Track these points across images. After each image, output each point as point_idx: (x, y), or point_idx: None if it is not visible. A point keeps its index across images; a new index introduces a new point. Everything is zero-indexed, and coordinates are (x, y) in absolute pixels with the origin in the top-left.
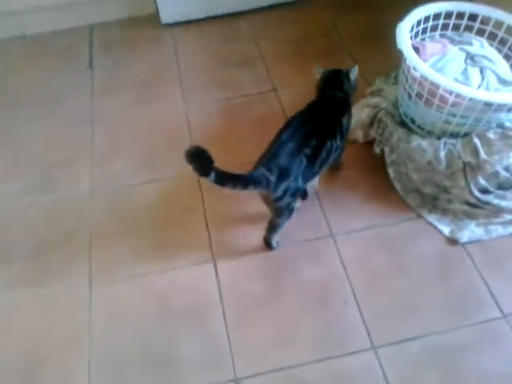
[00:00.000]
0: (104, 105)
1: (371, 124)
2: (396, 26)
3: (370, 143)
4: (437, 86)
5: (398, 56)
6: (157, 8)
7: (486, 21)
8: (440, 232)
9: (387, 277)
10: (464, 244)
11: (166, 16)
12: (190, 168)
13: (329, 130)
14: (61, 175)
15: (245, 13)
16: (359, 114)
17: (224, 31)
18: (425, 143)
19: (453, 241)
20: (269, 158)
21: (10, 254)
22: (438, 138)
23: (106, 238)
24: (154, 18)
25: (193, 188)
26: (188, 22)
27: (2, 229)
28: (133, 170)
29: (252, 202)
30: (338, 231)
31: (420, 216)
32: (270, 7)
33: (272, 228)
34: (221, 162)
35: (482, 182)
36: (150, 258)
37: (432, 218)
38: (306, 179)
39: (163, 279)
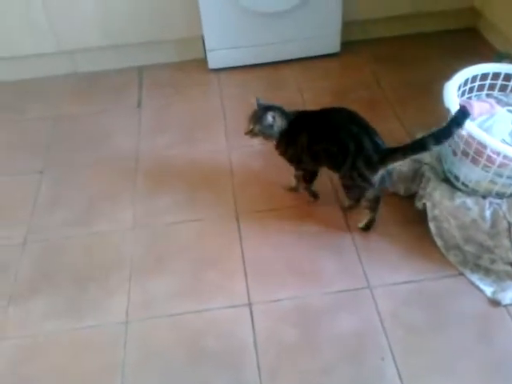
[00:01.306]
0: (149, 143)
1: (413, 178)
2: (437, 81)
3: (411, 197)
4: (484, 146)
5: (440, 111)
6: (205, 54)
7: None
8: (482, 292)
9: (425, 334)
10: (506, 306)
11: (214, 62)
12: (230, 209)
13: None
14: (104, 209)
15: (289, 61)
16: (401, 167)
17: (268, 78)
18: (469, 201)
19: (495, 302)
20: None
21: (49, 283)
22: (483, 196)
23: (145, 275)
24: (201, 63)
25: (232, 230)
26: (234, 68)
27: (44, 258)
28: (174, 208)
29: (291, 249)
30: (376, 283)
31: (461, 274)
32: (314, 57)
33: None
34: (260, 204)
35: None
36: (187, 297)
37: (474, 277)
38: None
39: (198, 320)
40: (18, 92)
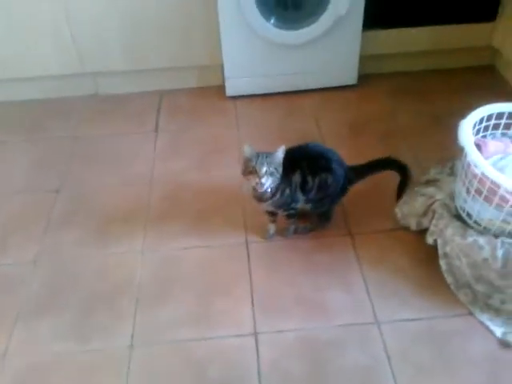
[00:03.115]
0: (164, 168)
1: (425, 213)
2: (452, 116)
3: (422, 232)
4: (498, 186)
5: (454, 146)
6: (223, 81)
7: None
8: (492, 333)
9: (433, 375)
10: None
11: (231, 89)
12: (240, 237)
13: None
14: (116, 231)
15: (306, 91)
16: (413, 202)
17: (285, 107)
18: (482, 240)
19: (505, 343)
20: None
21: (57, 304)
22: (495, 235)
23: (152, 299)
24: (219, 90)
25: (242, 258)
26: (251, 96)
27: (53, 277)
28: (185, 233)
29: (299, 280)
30: (384, 319)
31: (471, 313)
32: (332, 88)
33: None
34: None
35: None
36: (193, 324)
37: (484, 317)
38: None
39: (203, 348)
40: (40, 111)
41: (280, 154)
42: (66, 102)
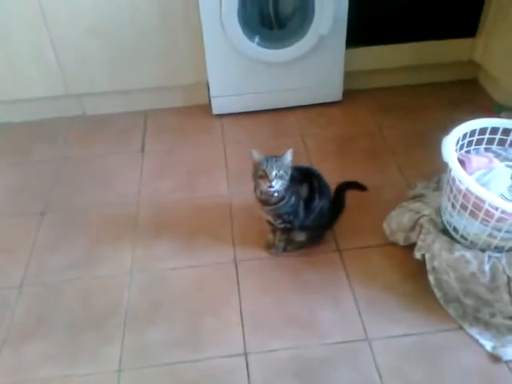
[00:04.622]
0: (151, 188)
1: (412, 228)
2: (437, 131)
3: (410, 247)
4: (482, 201)
5: (440, 161)
6: (209, 100)
7: None
8: (482, 347)
9: None
10: (507, 362)
11: (218, 107)
12: (229, 256)
13: None
14: (103, 253)
15: (292, 108)
16: (401, 217)
17: (271, 125)
18: (469, 255)
19: (495, 357)
20: None
21: (43, 328)
22: (482, 249)
23: (140, 321)
24: (205, 108)
25: (231, 279)
26: (238, 114)
27: (40, 301)
28: (173, 254)
29: (289, 298)
30: (374, 336)
31: (461, 327)
32: (317, 104)
33: None
34: (259, 252)
35: None
36: (182, 346)
37: (473, 331)
38: None
39: (193, 369)
40: (25, 133)
41: (288, 156)
42: (52, 123)
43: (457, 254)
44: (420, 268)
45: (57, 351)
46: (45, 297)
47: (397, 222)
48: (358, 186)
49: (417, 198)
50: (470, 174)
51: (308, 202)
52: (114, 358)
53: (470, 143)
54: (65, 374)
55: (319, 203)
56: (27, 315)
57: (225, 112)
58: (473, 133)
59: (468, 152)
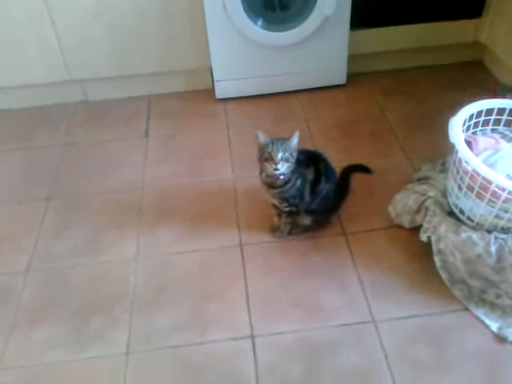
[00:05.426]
0: (155, 173)
1: (418, 210)
2: (442, 113)
3: (416, 229)
4: (489, 182)
5: (445, 143)
6: (212, 84)
7: None
8: (488, 327)
9: (430, 371)
10: None
11: (221, 92)
12: (234, 240)
13: None
14: (108, 238)
15: (296, 91)
16: (406, 199)
17: (275, 108)
18: (475, 236)
19: (501, 338)
20: None
21: (51, 313)
22: (488, 231)
23: (147, 306)
24: (209, 93)
25: (236, 262)
26: (241, 98)
27: (46, 286)
28: (179, 238)
29: (295, 281)
30: (380, 317)
31: (467, 309)
32: (321, 88)
33: None
34: (264, 235)
35: None
36: (189, 329)
37: (479, 312)
38: None
39: (200, 352)
40: (29, 120)
41: (295, 139)
42: (55, 109)
43: (463, 235)
44: (425, 250)
45: (64, 335)
46: (52, 282)
47: (402, 204)
48: (362, 169)
49: (422, 180)
50: (477, 155)
51: (314, 185)
52: (121, 342)
53: (476, 124)
54: (73, 358)
55: (325, 187)
56: (34, 300)
57: (228, 96)
58: (479, 114)
59: (474, 133)
